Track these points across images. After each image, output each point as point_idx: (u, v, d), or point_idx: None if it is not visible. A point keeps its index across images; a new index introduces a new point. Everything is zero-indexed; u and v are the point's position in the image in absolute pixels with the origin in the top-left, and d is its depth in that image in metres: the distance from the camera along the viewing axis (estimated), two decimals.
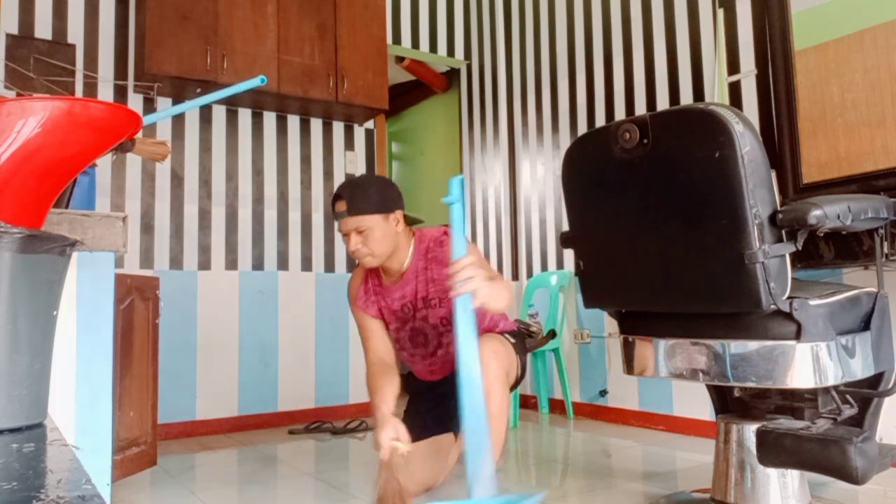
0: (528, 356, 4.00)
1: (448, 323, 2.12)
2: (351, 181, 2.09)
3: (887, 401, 1.82)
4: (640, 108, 3.52)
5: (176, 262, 3.57)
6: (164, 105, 3.57)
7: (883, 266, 1.83)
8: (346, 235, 2.04)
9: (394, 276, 2.18)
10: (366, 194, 2.03)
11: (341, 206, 2.01)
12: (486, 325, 2.20)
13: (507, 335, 2.19)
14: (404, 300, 2.17)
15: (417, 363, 2.30)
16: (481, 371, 1.56)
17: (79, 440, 1.25)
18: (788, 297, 1.58)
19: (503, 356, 1.98)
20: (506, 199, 4.36)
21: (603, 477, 2.51)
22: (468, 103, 4.80)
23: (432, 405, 2.25)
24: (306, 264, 3.97)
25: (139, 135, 2.02)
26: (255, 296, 3.77)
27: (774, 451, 1.81)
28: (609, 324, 3.55)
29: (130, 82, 3.50)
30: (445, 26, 4.63)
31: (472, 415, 1.49)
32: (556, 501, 2.23)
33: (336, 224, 2.03)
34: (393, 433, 1.84)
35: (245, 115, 3.86)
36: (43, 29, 3.32)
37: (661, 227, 1.70)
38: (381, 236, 2.04)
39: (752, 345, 1.64)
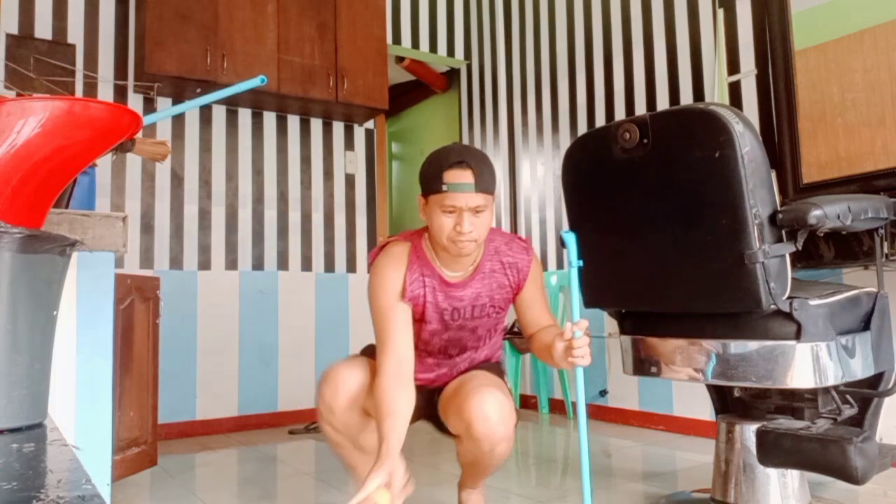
0: (528, 356, 4.00)
1: (486, 336, 1.90)
2: (469, 148, 1.69)
3: (887, 401, 1.82)
4: (640, 108, 3.52)
5: (176, 262, 3.57)
6: (164, 105, 3.57)
7: (883, 266, 1.83)
8: (452, 213, 1.62)
9: (461, 271, 1.77)
10: (491, 169, 1.66)
11: (467, 175, 1.59)
12: (487, 354, 1.95)
13: (501, 362, 2.01)
14: (462, 302, 1.78)
15: (426, 370, 1.88)
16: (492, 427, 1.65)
17: (79, 440, 1.25)
18: (788, 297, 1.58)
19: (508, 411, 1.72)
20: (506, 198, 4.36)
21: (603, 477, 2.51)
22: (468, 103, 4.80)
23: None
24: (306, 264, 3.97)
25: (139, 135, 2.01)
26: (255, 296, 3.77)
27: (774, 451, 1.81)
28: (609, 324, 3.55)
29: (130, 82, 3.50)
30: (445, 26, 4.64)
31: None
32: (557, 501, 2.23)
33: (437, 196, 1.62)
34: (384, 477, 1.48)
35: (245, 115, 3.86)
36: (43, 29, 3.32)
37: (661, 226, 1.70)
38: (490, 222, 1.68)
39: (752, 345, 1.64)
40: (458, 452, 1.85)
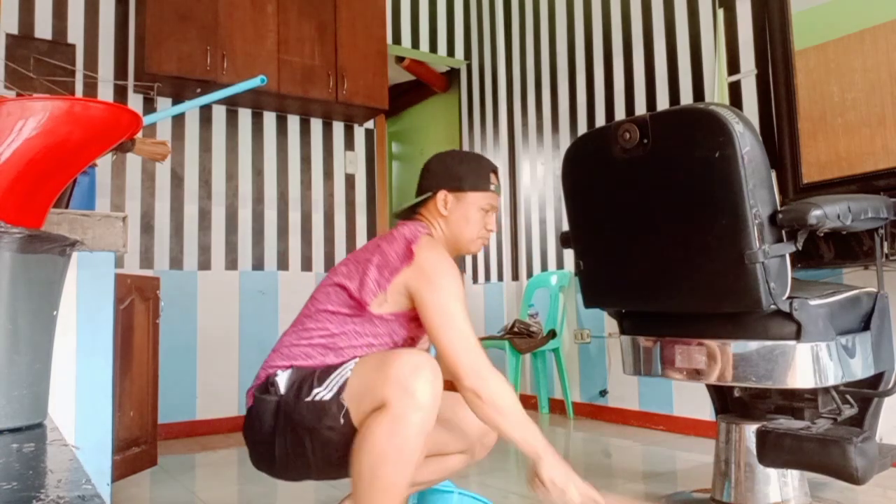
0: (528, 357, 4.00)
1: None
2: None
3: (887, 401, 1.82)
4: (640, 108, 3.52)
5: (176, 262, 3.57)
6: (164, 105, 3.57)
7: (883, 266, 1.83)
8: (488, 212, 1.68)
9: None
10: None
11: (496, 179, 1.71)
12: None
13: None
14: None
15: None
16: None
17: (79, 440, 1.25)
18: (788, 297, 1.58)
19: None
20: (506, 198, 4.36)
21: (603, 477, 2.51)
22: (468, 103, 4.80)
23: None
24: (306, 264, 3.97)
25: (139, 135, 2.02)
26: (255, 296, 3.77)
27: (774, 451, 1.81)
28: (609, 324, 3.55)
29: (130, 82, 3.50)
30: (445, 26, 4.63)
31: None
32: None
33: (483, 194, 1.66)
34: (587, 487, 1.45)
35: (245, 115, 3.86)
36: (43, 29, 3.32)
37: (661, 227, 1.70)
38: None
39: (752, 345, 1.64)
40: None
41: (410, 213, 1.72)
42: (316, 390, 1.43)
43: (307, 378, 1.46)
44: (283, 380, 1.48)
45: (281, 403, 1.45)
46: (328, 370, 1.45)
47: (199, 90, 3.43)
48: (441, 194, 1.66)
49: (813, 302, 1.62)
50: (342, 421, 1.39)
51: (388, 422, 1.31)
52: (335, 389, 1.41)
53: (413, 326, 1.58)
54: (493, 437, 1.71)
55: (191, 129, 3.69)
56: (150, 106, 3.55)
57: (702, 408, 3.11)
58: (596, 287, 1.92)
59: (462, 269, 4.44)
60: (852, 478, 1.69)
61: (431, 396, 1.33)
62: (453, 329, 1.46)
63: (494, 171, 1.71)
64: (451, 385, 1.43)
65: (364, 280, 1.51)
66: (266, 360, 1.57)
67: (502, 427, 1.45)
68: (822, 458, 1.71)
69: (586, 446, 3.06)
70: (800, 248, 1.58)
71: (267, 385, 1.50)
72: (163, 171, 3.58)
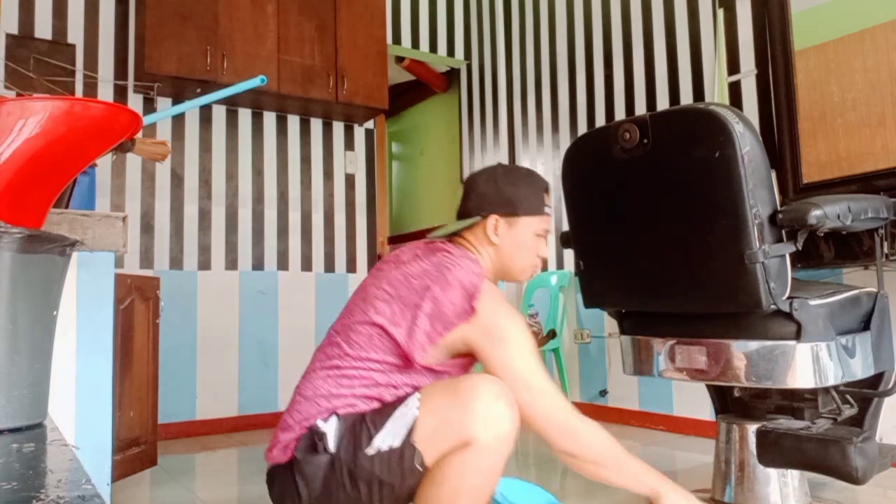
0: None
1: None
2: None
3: (887, 401, 1.82)
4: (640, 108, 3.52)
5: (176, 262, 3.57)
6: (164, 105, 3.57)
7: (883, 266, 1.83)
8: (541, 237, 1.52)
9: None
10: None
11: (549, 198, 1.55)
12: None
13: None
14: None
15: None
16: None
17: (79, 440, 1.25)
18: (788, 297, 1.58)
19: None
20: None
21: None
22: (468, 103, 4.80)
23: None
24: (306, 264, 3.97)
25: (139, 135, 2.02)
26: (255, 296, 3.77)
27: (774, 451, 1.81)
28: (609, 324, 3.55)
29: (130, 82, 3.50)
30: (445, 26, 4.63)
31: None
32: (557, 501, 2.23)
33: (538, 218, 1.50)
34: None
35: (245, 115, 3.86)
36: (43, 29, 3.32)
37: (660, 227, 1.70)
38: None
39: (752, 345, 1.64)
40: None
41: (451, 236, 1.51)
42: (379, 438, 1.23)
43: (358, 425, 1.26)
44: (330, 432, 1.26)
45: (336, 461, 1.24)
46: (383, 412, 1.27)
47: (199, 90, 3.43)
48: (492, 220, 1.46)
49: (813, 302, 1.62)
50: (421, 469, 1.23)
51: (474, 457, 1.21)
52: (403, 433, 1.23)
53: (467, 370, 1.43)
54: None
55: (191, 129, 3.69)
56: (150, 106, 3.55)
57: (702, 408, 3.11)
58: (596, 287, 1.92)
59: None
60: (852, 478, 1.69)
61: (514, 424, 1.25)
62: (533, 390, 1.30)
63: (547, 189, 1.53)
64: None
65: (413, 331, 1.30)
66: (293, 410, 1.34)
67: (608, 479, 1.34)
68: (822, 458, 1.71)
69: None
70: (800, 248, 1.58)
71: (312, 441, 1.26)
72: (163, 171, 3.58)
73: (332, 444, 1.25)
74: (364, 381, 1.31)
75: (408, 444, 1.22)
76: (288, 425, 1.32)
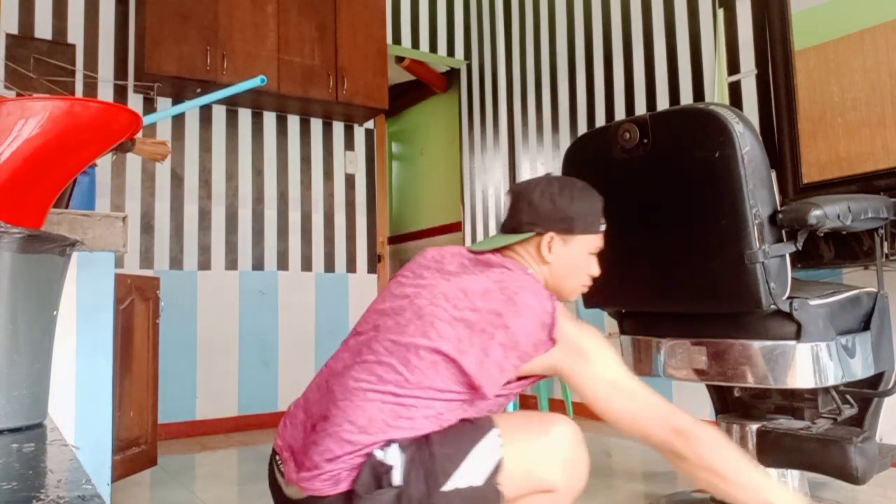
0: None
1: None
2: None
3: (887, 401, 1.82)
4: (640, 108, 3.52)
5: (176, 262, 3.57)
6: (164, 105, 3.57)
7: (883, 266, 1.83)
8: (593, 255, 1.46)
9: None
10: None
11: (604, 214, 1.46)
12: None
13: None
14: None
15: None
16: None
17: (79, 440, 1.25)
18: (788, 297, 1.58)
19: None
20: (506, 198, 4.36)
21: (603, 477, 2.50)
22: (468, 103, 4.80)
23: None
24: (306, 264, 3.97)
25: (139, 135, 2.02)
26: (255, 296, 3.77)
27: (774, 451, 1.81)
28: (609, 324, 3.55)
29: (130, 82, 3.50)
30: (445, 26, 4.63)
31: None
32: None
33: (594, 236, 1.43)
34: None
35: (245, 115, 3.86)
36: (43, 29, 3.32)
37: (661, 226, 1.70)
38: None
39: (752, 345, 1.64)
40: None
41: (500, 249, 1.42)
42: (458, 475, 1.15)
43: (427, 457, 1.15)
44: (396, 465, 1.14)
45: (403, 495, 1.13)
46: (456, 445, 1.17)
47: (199, 90, 3.43)
48: (548, 237, 1.38)
49: (813, 302, 1.62)
50: None
51: (553, 501, 1.20)
52: (486, 474, 1.16)
53: (525, 388, 1.38)
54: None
55: (191, 129, 3.69)
56: (150, 106, 3.55)
57: (702, 408, 3.11)
58: (596, 287, 1.92)
59: None
60: (852, 478, 1.69)
61: (588, 468, 1.24)
62: (636, 398, 1.24)
63: (604, 206, 1.45)
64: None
65: (484, 362, 1.20)
66: (337, 436, 1.16)
67: (726, 491, 1.22)
68: (822, 458, 1.71)
69: (587, 446, 3.06)
70: (800, 248, 1.58)
71: (375, 474, 1.14)
72: (163, 171, 3.58)
73: (398, 478, 1.14)
74: (426, 410, 1.19)
75: (491, 487, 1.16)
76: (334, 455, 1.15)
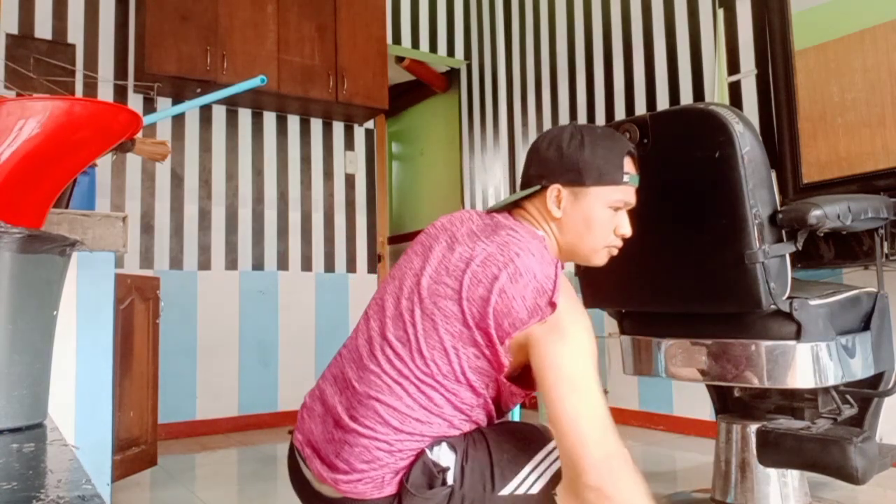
0: None
1: None
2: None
3: (887, 401, 1.82)
4: (640, 108, 3.52)
5: (176, 262, 3.57)
6: (164, 105, 3.57)
7: (883, 266, 1.83)
8: (616, 211, 1.26)
9: None
10: None
11: (633, 165, 1.29)
12: None
13: None
14: None
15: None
16: None
17: (79, 440, 1.25)
18: (788, 297, 1.58)
19: None
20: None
21: None
22: (468, 103, 4.80)
23: None
24: (306, 264, 3.97)
25: (139, 135, 2.02)
26: (255, 296, 3.77)
27: (774, 451, 1.81)
28: (609, 324, 3.55)
29: (130, 82, 3.50)
30: (445, 26, 4.63)
31: None
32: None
33: (611, 188, 1.24)
34: None
35: (245, 115, 3.86)
36: (43, 29, 3.32)
37: (661, 226, 1.69)
38: None
39: (752, 345, 1.64)
40: None
41: (511, 207, 1.30)
42: (516, 481, 1.11)
43: (483, 457, 1.11)
44: (450, 464, 1.10)
45: (455, 495, 1.09)
46: (518, 449, 1.13)
47: (199, 90, 3.43)
48: (553, 190, 1.23)
49: (813, 302, 1.62)
50: None
51: None
52: (544, 482, 1.12)
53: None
54: None
55: (191, 129, 3.69)
56: (150, 106, 3.55)
57: (702, 408, 3.11)
58: (596, 287, 1.92)
59: None
60: (852, 478, 1.69)
61: None
62: (576, 394, 1.06)
63: (630, 153, 1.27)
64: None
65: (486, 330, 1.11)
66: (374, 437, 1.11)
67: None
68: (822, 458, 1.71)
69: None
70: (800, 248, 1.58)
71: (428, 474, 1.09)
72: (163, 171, 3.58)
73: (451, 477, 1.09)
74: (452, 398, 1.13)
75: (549, 496, 1.11)
76: (372, 457, 1.10)
